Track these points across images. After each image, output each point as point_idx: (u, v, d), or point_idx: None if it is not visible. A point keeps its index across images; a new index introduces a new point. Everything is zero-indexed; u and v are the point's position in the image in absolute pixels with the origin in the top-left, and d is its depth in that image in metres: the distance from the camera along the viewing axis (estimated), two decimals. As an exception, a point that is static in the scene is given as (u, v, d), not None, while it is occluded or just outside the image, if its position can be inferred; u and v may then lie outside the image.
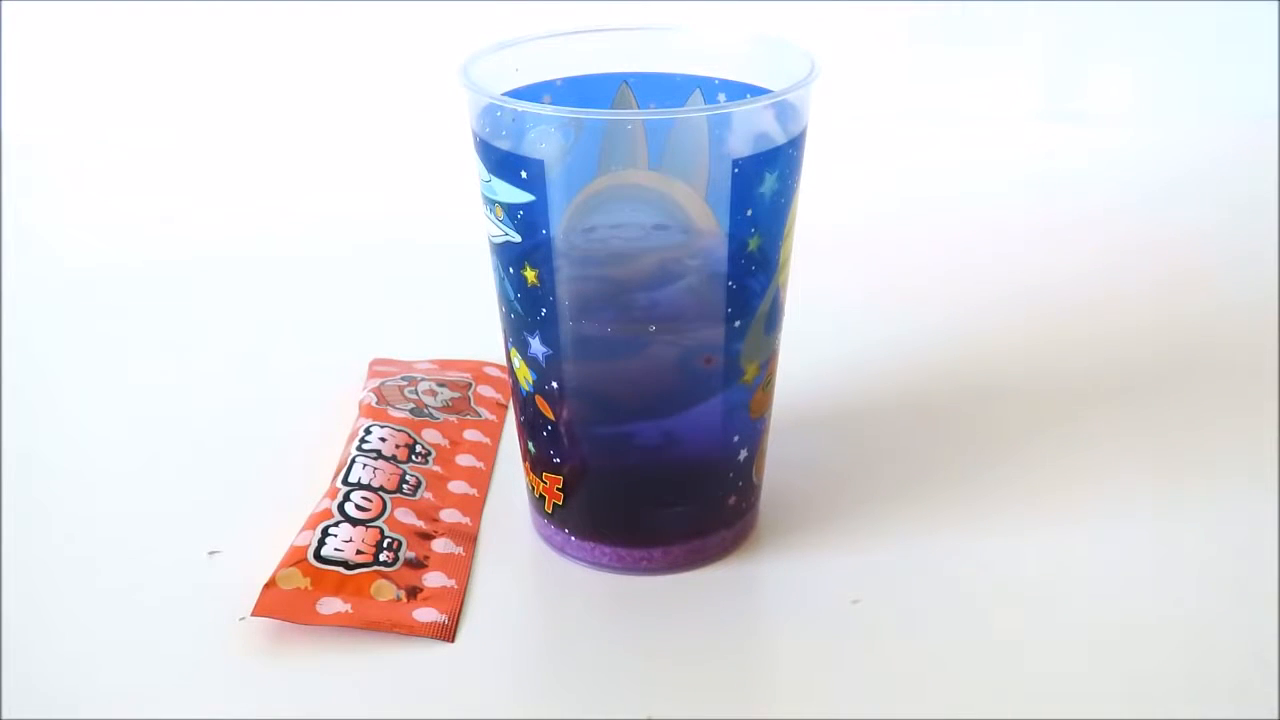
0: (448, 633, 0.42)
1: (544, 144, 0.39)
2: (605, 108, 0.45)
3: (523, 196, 0.40)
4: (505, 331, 0.44)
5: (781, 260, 0.42)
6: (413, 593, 0.43)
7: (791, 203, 0.42)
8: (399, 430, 0.50)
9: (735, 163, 0.39)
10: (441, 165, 0.65)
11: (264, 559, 0.44)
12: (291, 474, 0.49)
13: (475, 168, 0.42)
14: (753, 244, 0.41)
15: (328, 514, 0.45)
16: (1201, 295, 0.64)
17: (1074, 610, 0.43)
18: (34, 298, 0.66)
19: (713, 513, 0.44)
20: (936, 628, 0.42)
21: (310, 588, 0.42)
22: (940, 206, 0.76)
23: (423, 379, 0.55)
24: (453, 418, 0.52)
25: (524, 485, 0.47)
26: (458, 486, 0.49)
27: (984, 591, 0.44)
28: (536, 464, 0.45)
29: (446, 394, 0.54)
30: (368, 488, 0.47)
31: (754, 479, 0.45)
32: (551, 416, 0.43)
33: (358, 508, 0.45)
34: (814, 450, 0.51)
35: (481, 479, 0.50)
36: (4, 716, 0.39)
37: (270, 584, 0.42)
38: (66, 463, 0.52)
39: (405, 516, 0.46)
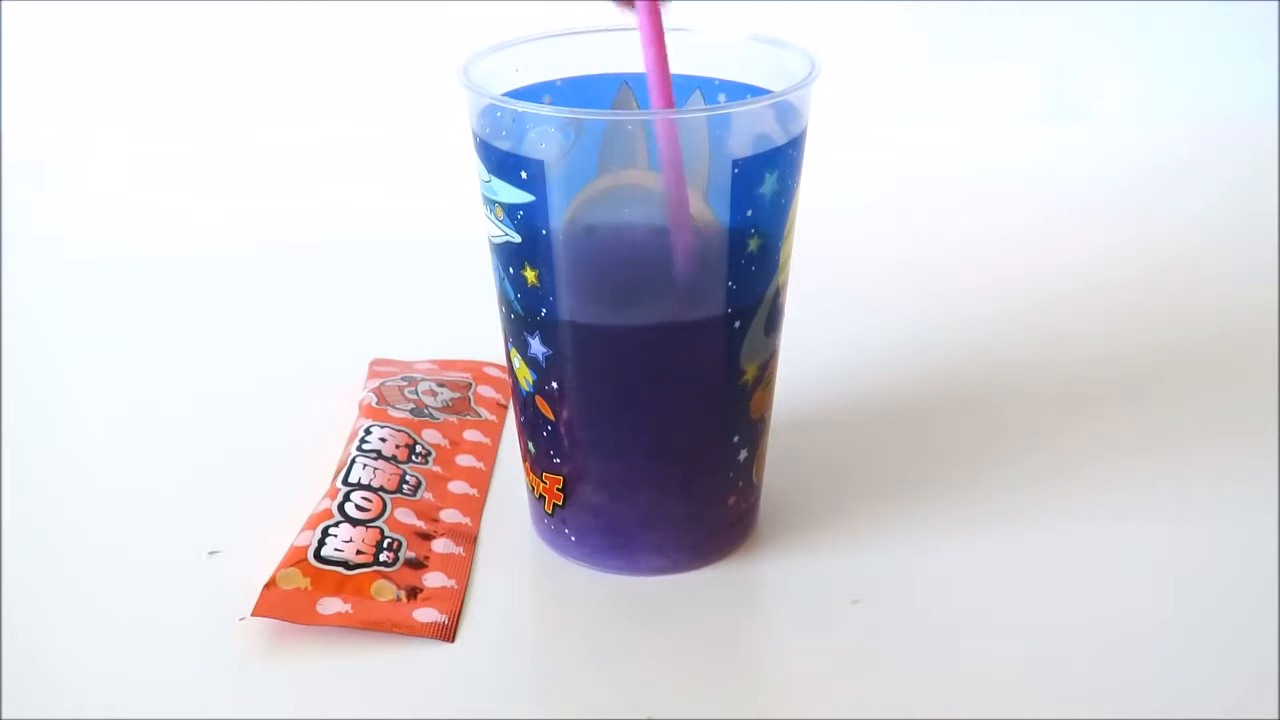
0: (448, 633, 0.42)
1: (544, 144, 0.39)
2: (605, 108, 0.45)
3: (523, 197, 0.40)
4: (505, 331, 0.44)
5: (781, 260, 0.42)
6: (413, 593, 0.43)
7: (791, 203, 0.42)
8: (399, 430, 0.50)
9: (735, 163, 0.39)
10: (441, 165, 0.65)
11: (264, 559, 0.44)
12: (291, 474, 0.49)
13: (475, 168, 0.42)
14: (753, 244, 0.41)
15: (328, 514, 0.45)
16: (1201, 295, 0.64)
17: (1074, 610, 0.43)
18: (33, 297, 0.66)
19: (713, 513, 0.44)
20: (936, 628, 0.42)
21: (310, 588, 0.42)
22: (940, 206, 0.76)
23: (423, 379, 0.55)
24: (453, 418, 0.52)
25: (524, 485, 0.47)
26: (458, 487, 0.49)
27: (984, 592, 0.44)
28: (537, 464, 0.45)
29: (446, 394, 0.54)
30: (368, 488, 0.47)
31: (754, 479, 0.45)
32: (551, 416, 0.43)
33: (358, 508, 0.45)
34: (814, 450, 0.51)
35: (481, 479, 0.50)
36: (4, 717, 0.39)
37: (270, 584, 0.42)
38: (66, 462, 0.52)
39: (405, 517, 0.46)
